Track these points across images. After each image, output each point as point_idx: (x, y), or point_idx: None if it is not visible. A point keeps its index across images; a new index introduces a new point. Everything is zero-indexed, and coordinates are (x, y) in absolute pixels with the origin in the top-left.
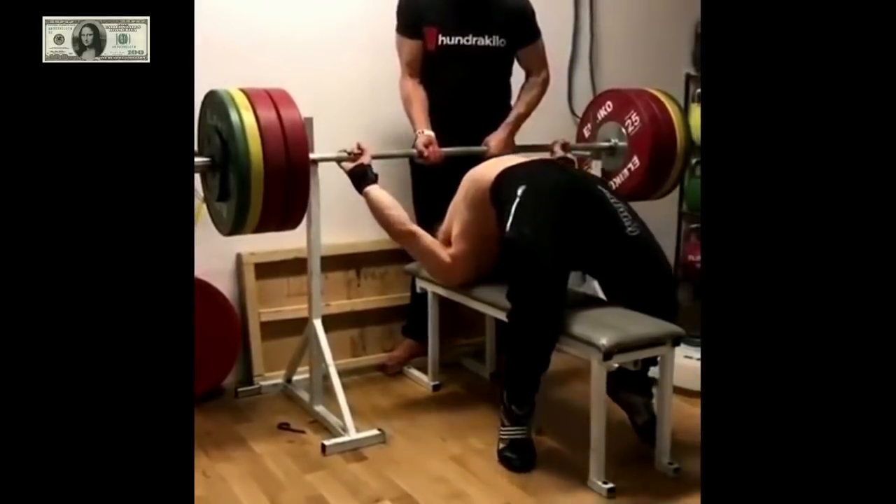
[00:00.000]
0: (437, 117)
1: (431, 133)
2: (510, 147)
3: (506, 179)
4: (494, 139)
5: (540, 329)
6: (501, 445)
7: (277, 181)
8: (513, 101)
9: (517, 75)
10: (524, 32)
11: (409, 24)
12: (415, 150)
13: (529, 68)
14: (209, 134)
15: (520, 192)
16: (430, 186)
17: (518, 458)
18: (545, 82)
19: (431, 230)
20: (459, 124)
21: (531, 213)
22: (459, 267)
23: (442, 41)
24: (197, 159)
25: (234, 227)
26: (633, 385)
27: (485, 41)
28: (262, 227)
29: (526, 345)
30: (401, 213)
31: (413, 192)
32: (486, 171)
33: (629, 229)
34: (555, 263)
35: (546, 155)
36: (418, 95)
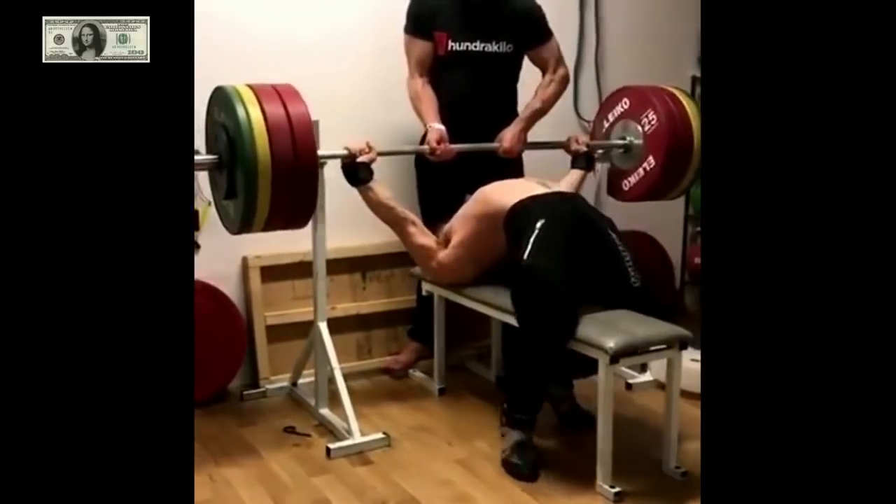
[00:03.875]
0: (445, 121)
1: (442, 127)
2: (523, 142)
3: (523, 210)
4: (508, 133)
5: (551, 352)
6: (506, 453)
7: (285, 178)
8: (520, 107)
9: (525, 80)
10: (534, 34)
11: (419, 25)
12: (426, 147)
13: (544, 67)
14: (216, 131)
15: (538, 225)
16: (436, 184)
17: (524, 465)
18: (563, 79)
19: (435, 229)
20: (467, 128)
21: (549, 246)
22: (446, 271)
23: (451, 47)
24: (204, 157)
25: (241, 225)
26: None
27: (493, 47)
28: (269, 226)
29: (536, 365)
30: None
31: (418, 189)
32: (503, 196)
33: (632, 279)
34: (569, 293)
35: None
36: (427, 93)
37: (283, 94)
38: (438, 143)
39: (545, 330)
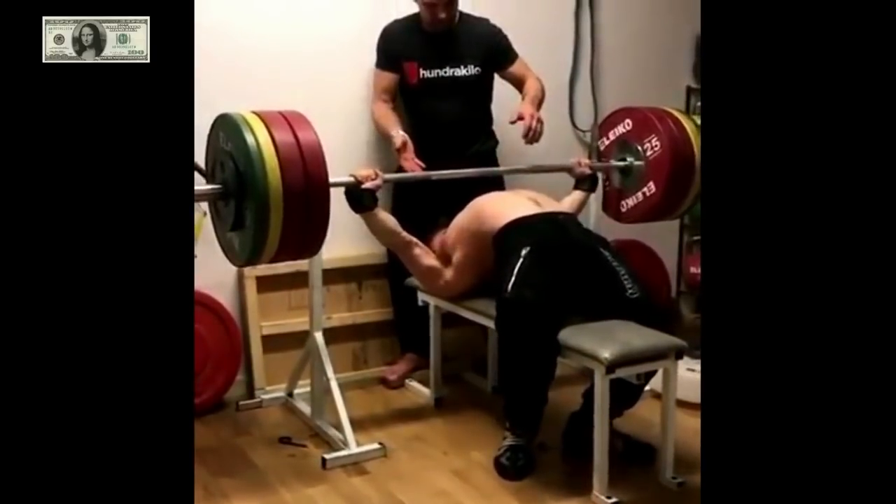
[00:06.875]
0: (426, 144)
1: (404, 133)
2: (541, 121)
3: (511, 234)
4: (527, 110)
5: (534, 376)
6: (499, 452)
7: (297, 209)
8: (494, 127)
9: (498, 103)
10: (499, 56)
11: (388, 59)
12: (432, 174)
13: (521, 80)
14: (221, 159)
15: (524, 252)
16: (411, 205)
17: (510, 466)
18: (539, 80)
19: (427, 239)
20: (448, 150)
21: (533, 275)
22: (452, 288)
23: (423, 74)
24: (207, 186)
25: (249, 257)
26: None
27: (461, 71)
28: (278, 258)
29: (522, 386)
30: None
31: (392, 202)
32: (494, 214)
33: (629, 291)
34: (551, 322)
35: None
36: (391, 114)
37: (291, 121)
38: (404, 145)
39: (527, 358)
